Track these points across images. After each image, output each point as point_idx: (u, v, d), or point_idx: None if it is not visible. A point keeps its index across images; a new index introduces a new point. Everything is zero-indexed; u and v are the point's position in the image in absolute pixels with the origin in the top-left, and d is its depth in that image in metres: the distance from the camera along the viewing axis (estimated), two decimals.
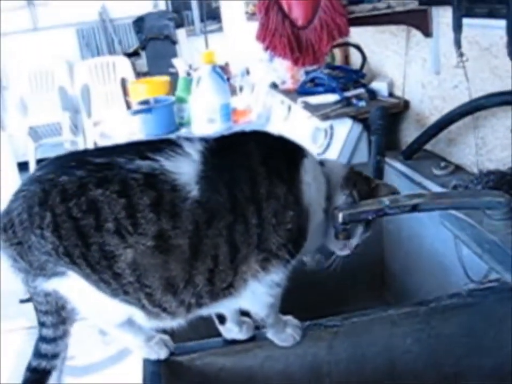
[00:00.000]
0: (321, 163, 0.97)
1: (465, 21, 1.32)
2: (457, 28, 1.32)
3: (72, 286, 0.86)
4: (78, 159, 0.85)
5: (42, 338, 0.94)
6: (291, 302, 0.96)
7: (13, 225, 0.83)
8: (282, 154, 0.91)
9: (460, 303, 1.04)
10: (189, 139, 0.87)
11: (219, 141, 0.90)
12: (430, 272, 1.46)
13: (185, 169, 0.82)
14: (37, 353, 0.94)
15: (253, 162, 0.87)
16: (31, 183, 0.83)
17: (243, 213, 0.83)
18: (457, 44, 1.33)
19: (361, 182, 0.97)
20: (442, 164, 1.50)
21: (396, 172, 1.61)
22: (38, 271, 0.85)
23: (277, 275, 0.88)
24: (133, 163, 0.82)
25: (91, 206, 0.79)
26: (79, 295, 0.88)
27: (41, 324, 0.93)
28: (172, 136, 0.93)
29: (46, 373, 0.94)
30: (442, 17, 1.49)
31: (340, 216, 0.91)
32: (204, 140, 0.88)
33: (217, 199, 0.82)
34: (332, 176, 0.95)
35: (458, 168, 1.50)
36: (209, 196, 0.82)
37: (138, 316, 0.88)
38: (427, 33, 1.55)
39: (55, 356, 0.94)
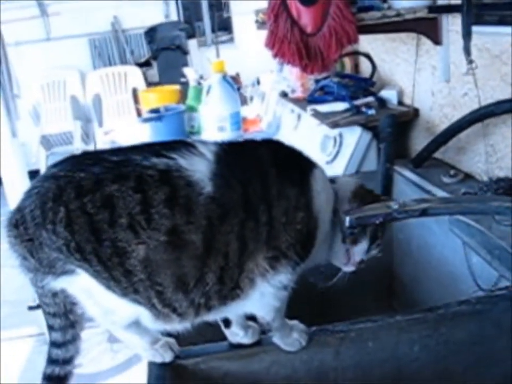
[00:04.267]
0: (332, 180, 0.97)
1: (475, 28, 1.32)
2: (467, 35, 1.32)
3: (81, 285, 0.86)
4: (94, 157, 0.86)
5: (52, 343, 0.94)
6: (298, 309, 0.95)
7: (24, 221, 0.83)
8: (294, 161, 0.92)
9: (469, 310, 1.03)
10: (203, 141, 0.89)
11: (232, 144, 0.91)
12: (439, 281, 1.45)
13: (199, 167, 0.83)
14: (49, 359, 0.95)
15: (265, 164, 0.88)
16: (45, 180, 0.84)
17: (254, 211, 0.84)
18: (467, 51, 1.33)
19: (369, 198, 0.98)
20: (452, 172, 1.50)
21: (405, 180, 1.60)
22: (47, 269, 0.85)
23: (285, 276, 0.88)
24: (149, 160, 0.82)
25: (106, 202, 0.80)
26: (87, 294, 0.88)
27: (50, 327, 0.94)
28: None
29: (61, 380, 0.94)
30: (452, 25, 1.49)
31: (347, 220, 0.91)
32: (217, 143, 0.89)
33: (230, 195, 0.83)
34: (340, 191, 0.96)
35: (467, 176, 1.50)
36: (223, 191, 0.83)
37: (146, 317, 0.87)
38: (437, 41, 1.54)
39: (66, 361, 0.94)
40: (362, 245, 0.97)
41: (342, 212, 0.94)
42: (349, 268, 0.99)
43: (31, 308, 2.64)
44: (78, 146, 5.31)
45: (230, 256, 0.83)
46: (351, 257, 0.97)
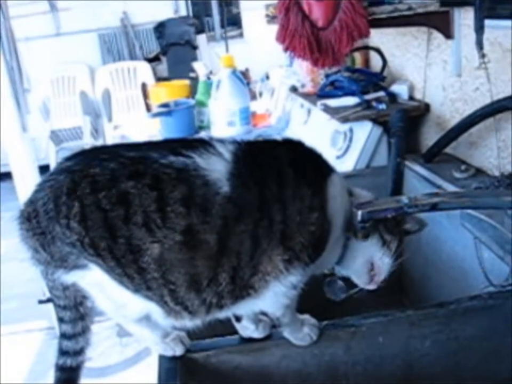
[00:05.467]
0: (350, 192, 0.96)
1: (487, 22, 1.31)
2: (479, 29, 1.31)
3: (93, 280, 0.86)
4: (109, 152, 0.85)
5: (62, 335, 0.94)
6: (309, 303, 0.95)
7: (37, 214, 0.83)
8: (312, 163, 0.91)
9: (481, 305, 1.02)
10: (221, 140, 0.88)
11: (251, 144, 0.91)
12: (450, 277, 1.44)
13: (217, 166, 0.83)
14: (60, 351, 0.95)
15: (283, 164, 0.87)
16: (59, 173, 0.83)
17: (269, 210, 0.83)
18: (479, 45, 1.31)
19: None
20: (463, 167, 1.49)
21: (416, 175, 1.59)
22: (59, 263, 0.85)
23: (295, 277, 0.88)
24: (166, 158, 0.82)
25: (121, 198, 0.79)
26: (99, 289, 0.87)
27: (60, 320, 0.94)
28: None
29: (74, 370, 0.95)
30: (464, 18, 1.48)
31: (359, 214, 0.91)
32: (236, 142, 0.89)
33: (247, 196, 0.83)
34: (355, 196, 0.95)
35: (479, 171, 1.49)
36: (240, 192, 0.82)
37: (157, 312, 0.87)
38: (448, 35, 1.53)
39: (77, 352, 0.94)
40: (386, 262, 0.96)
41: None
42: (371, 287, 0.98)
43: (41, 302, 2.66)
44: (87, 142, 5.32)
45: (243, 256, 0.82)
46: (375, 276, 0.97)
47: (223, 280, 0.82)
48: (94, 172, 0.81)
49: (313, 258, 0.88)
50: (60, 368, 0.95)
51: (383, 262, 0.96)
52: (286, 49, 1.60)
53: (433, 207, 0.95)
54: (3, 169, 5.26)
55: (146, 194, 0.79)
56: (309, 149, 0.93)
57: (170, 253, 0.80)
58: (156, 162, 0.81)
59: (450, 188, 1.43)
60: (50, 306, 0.96)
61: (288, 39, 1.56)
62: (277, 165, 0.87)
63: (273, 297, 0.88)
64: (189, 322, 0.88)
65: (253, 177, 0.84)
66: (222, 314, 0.90)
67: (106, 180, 0.80)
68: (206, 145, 0.85)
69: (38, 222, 0.83)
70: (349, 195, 0.95)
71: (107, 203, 0.79)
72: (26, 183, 3.11)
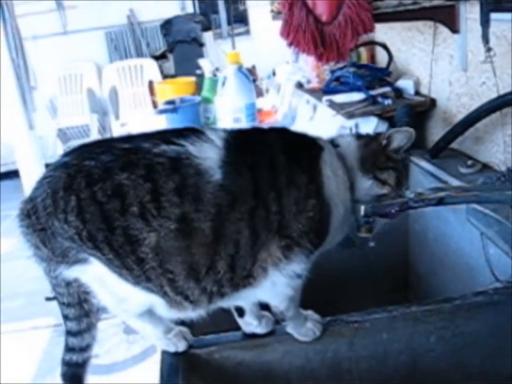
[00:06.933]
0: (336, 145, 0.96)
1: (493, 15, 1.30)
2: (485, 22, 1.30)
3: (94, 274, 0.86)
4: (104, 145, 0.86)
5: (68, 332, 0.95)
6: (312, 299, 0.95)
7: (36, 211, 0.83)
8: (302, 146, 0.92)
9: (486, 301, 1.01)
10: (212, 128, 0.89)
11: (241, 131, 0.92)
12: (455, 273, 1.43)
13: (209, 154, 0.83)
14: (67, 347, 0.95)
15: (274, 151, 0.87)
16: (56, 169, 0.84)
17: (264, 198, 0.83)
18: (485, 38, 1.30)
19: (376, 153, 0.96)
20: (469, 162, 1.47)
21: (422, 171, 1.58)
22: (60, 259, 0.85)
23: (298, 265, 0.87)
24: (158, 148, 0.82)
25: (116, 190, 0.80)
26: (100, 283, 0.88)
27: (65, 317, 0.94)
28: None
29: (80, 366, 0.95)
30: (470, 12, 1.47)
31: (362, 209, 0.90)
32: (227, 130, 0.90)
33: (239, 183, 0.83)
34: (348, 159, 0.95)
35: (485, 167, 1.47)
36: (232, 179, 0.82)
37: (159, 305, 0.87)
38: (454, 29, 1.52)
39: (83, 349, 0.95)
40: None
41: (358, 185, 0.93)
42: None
43: (48, 299, 2.66)
44: (94, 139, 5.33)
45: (241, 244, 0.82)
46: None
47: (221, 268, 0.82)
48: (89, 165, 0.81)
49: (316, 244, 0.88)
50: (67, 364, 0.95)
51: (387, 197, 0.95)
52: (290, 45, 1.58)
53: (439, 202, 0.95)
54: (10, 167, 5.29)
55: (140, 186, 0.80)
56: (295, 134, 0.94)
57: (166, 242, 0.80)
58: (149, 152, 0.82)
59: (456, 183, 1.41)
60: (57, 303, 0.96)
61: (292, 34, 1.55)
62: (268, 151, 0.87)
63: (272, 287, 0.88)
64: (192, 313, 0.88)
65: (245, 163, 0.84)
66: (224, 303, 0.90)
67: (100, 173, 0.80)
68: (197, 133, 0.86)
69: (38, 218, 0.83)
70: (337, 149, 0.94)
71: (102, 195, 0.80)
72: (33, 181, 3.12)
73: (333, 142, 0.96)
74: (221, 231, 0.81)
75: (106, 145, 0.85)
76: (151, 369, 2.75)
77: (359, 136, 0.99)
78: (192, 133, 0.86)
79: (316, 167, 0.89)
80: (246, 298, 0.91)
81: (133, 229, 0.80)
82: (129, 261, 0.81)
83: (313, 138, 0.94)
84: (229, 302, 0.91)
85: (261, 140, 0.90)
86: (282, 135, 0.93)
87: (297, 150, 0.90)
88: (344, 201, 0.91)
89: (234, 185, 0.82)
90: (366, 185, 0.94)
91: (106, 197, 0.79)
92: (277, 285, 0.88)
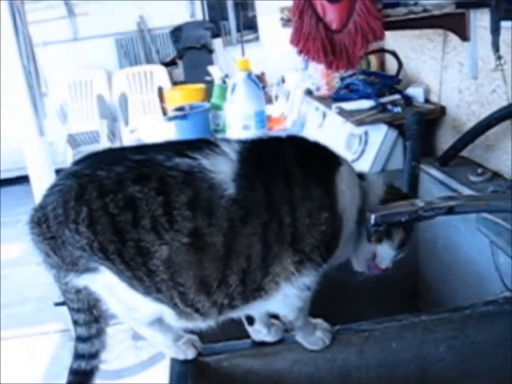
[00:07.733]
0: (361, 176, 0.95)
1: (504, 23, 1.29)
2: (495, 30, 1.30)
3: (104, 282, 0.86)
4: (116, 155, 0.86)
5: (78, 338, 0.95)
6: (322, 308, 0.95)
7: (47, 219, 0.83)
8: (318, 159, 0.91)
9: (496, 310, 1.01)
10: (226, 140, 0.88)
11: (256, 142, 0.90)
12: (465, 282, 1.42)
13: (222, 167, 0.82)
14: (76, 354, 0.95)
15: (288, 163, 0.86)
16: (67, 178, 0.84)
17: (277, 212, 0.83)
18: (495, 46, 1.30)
19: (400, 198, 0.96)
20: (479, 170, 1.47)
21: (432, 179, 1.58)
22: (70, 267, 0.85)
23: (308, 278, 0.87)
24: (171, 160, 0.82)
25: (128, 202, 0.79)
26: (110, 292, 0.88)
27: (75, 322, 0.94)
28: None
29: (87, 374, 0.95)
30: (480, 20, 1.47)
31: (372, 218, 0.90)
32: (241, 141, 0.89)
33: (252, 197, 0.82)
34: (370, 189, 0.94)
35: (495, 175, 1.46)
36: (245, 193, 0.82)
37: (169, 315, 0.87)
38: (464, 37, 1.52)
39: (92, 355, 0.95)
40: (388, 253, 0.95)
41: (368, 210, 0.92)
42: (373, 272, 0.97)
43: (57, 304, 2.68)
44: (104, 145, 5.36)
45: (253, 258, 0.82)
46: (377, 264, 0.96)
47: (233, 283, 0.82)
48: (101, 176, 0.81)
49: (326, 258, 0.88)
50: (74, 372, 0.95)
51: (385, 253, 0.95)
52: (300, 52, 1.59)
53: (449, 211, 0.94)
54: (21, 173, 5.31)
55: (153, 199, 0.79)
56: (313, 144, 0.92)
57: (178, 255, 0.80)
58: (161, 165, 0.81)
59: (467, 191, 1.41)
60: (66, 308, 0.96)
61: (302, 41, 1.55)
62: (283, 164, 0.86)
63: (284, 299, 0.88)
64: (202, 324, 0.88)
65: (258, 177, 0.84)
66: (234, 314, 0.89)
67: (112, 184, 0.80)
68: (211, 145, 0.85)
69: (48, 227, 0.84)
70: (360, 180, 0.93)
71: (114, 207, 0.79)
72: (43, 187, 3.13)
73: (360, 175, 0.96)
74: (233, 245, 0.81)
75: (118, 155, 0.85)
76: (159, 375, 2.76)
77: (389, 186, 0.99)
78: (206, 145, 0.85)
79: (331, 179, 0.88)
80: (255, 309, 0.91)
81: (145, 242, 0.79)
82: (140, 272, 0.81)
83: (332, 151, 0.93)
84: (239, 313, 0.90)
85: (275, 151, 0.89)
86: (298, 145, 0.92)
87: (313, 161, 0.89)
88: (353, 220, 0.91)
89: (247, 199, 0.82)
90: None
91: (118, 209, 0.79)
92: (288, 297, 0.88)
